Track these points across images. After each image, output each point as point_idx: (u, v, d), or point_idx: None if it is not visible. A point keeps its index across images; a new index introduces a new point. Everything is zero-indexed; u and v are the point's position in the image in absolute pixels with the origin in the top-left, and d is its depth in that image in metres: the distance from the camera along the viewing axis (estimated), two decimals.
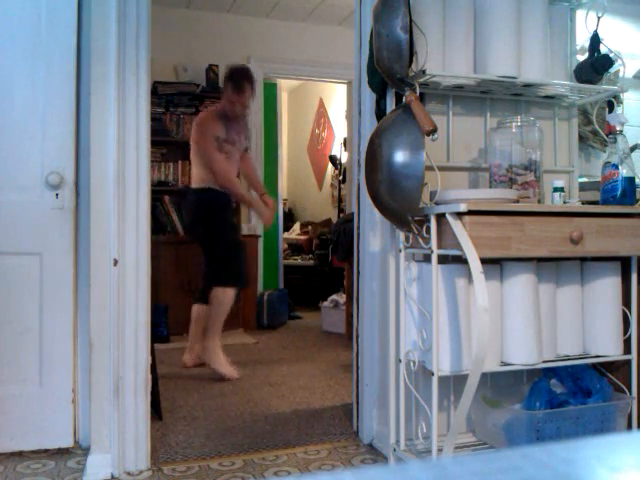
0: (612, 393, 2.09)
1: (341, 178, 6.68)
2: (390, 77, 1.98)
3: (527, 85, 2.20)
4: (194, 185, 3.68)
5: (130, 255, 2.17)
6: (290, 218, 7.75)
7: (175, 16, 5.27)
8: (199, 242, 3.70)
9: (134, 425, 2.18)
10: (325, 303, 5.16)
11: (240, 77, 3.59)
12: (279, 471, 2.17)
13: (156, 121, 4.87)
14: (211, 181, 3.57)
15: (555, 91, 2.34)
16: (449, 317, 1.92)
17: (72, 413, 2.35)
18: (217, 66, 5.37)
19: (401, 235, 2.07)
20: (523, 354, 1.96)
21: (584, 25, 2.27)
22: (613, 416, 2.04)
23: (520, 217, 1.82)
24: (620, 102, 2.47)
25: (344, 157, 6.57)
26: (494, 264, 1.97)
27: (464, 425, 2.16)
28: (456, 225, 1.75)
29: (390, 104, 2.16)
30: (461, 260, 1.83)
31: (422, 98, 2.05)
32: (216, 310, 3.53)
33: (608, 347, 2.09)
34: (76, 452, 2.34)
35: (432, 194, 1.93)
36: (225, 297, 3.52)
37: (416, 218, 1.90)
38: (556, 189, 2.12)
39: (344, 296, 4.88)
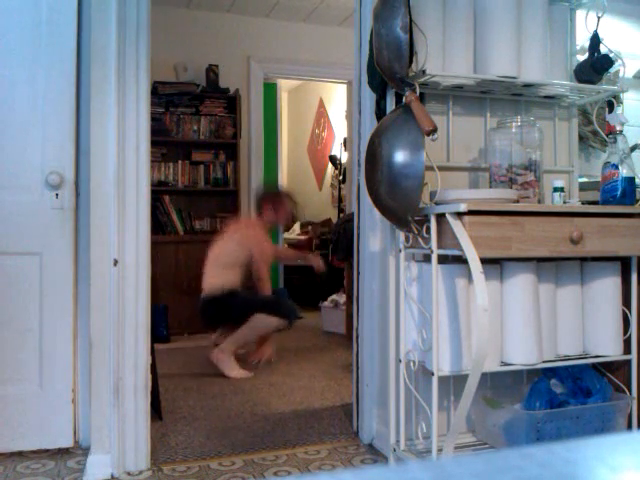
0: (612, 393, 2.09)
1: (341, 178, 6.68)
2: (390, 77, 1.99)
3: (527, 85, 2.20)
4: (214, 289, 3.71)
5: (130, 255, 2.17)
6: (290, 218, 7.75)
7: (175, 16, 5.27)
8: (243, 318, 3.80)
9: (134, 425, 2.18)
10: (325, 303, 5.16)
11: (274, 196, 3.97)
12: (279, 471, 2.17)
13: (156, 121, 4.87)
14: (232, 283, 3.70)
15: (555, 91, 2.34)
16: (449, 317, 1.92)
17: (72, 413, 2.35)
18: (217, 66, 5.37)
19: (401, 235, 2.07)
20: (523, 354, 1.96)
21: (584, 25, 2.27)
22: (613, 416, 2.04)
23: (520, 217, 1.82)
24: (620, 102, 2.48)
25: (344, 157, 6.57)
26: (494, 264, 1.97)
27: (464, 425, 2.16)
28: (456, 225, 1.75)
29: (390, 104, 2.16)
30: (461, 260, 1.83)
31: (422, 98, 2.05)
32: (249, 329, 3.65)
33: (608, 347, 2.09)
34: (76, 452, 2.34)
35: (432, 194, 1.93)
36: (263, 323, 3.65)
37: (416, 218, 1.90)
38: (556, 189, 2.12)
39: (344, 296, 4.88)
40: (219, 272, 3.74)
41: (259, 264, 3.79)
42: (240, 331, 3.67)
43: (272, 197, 3.98)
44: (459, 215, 1.76)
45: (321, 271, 4.19)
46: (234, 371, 3.58)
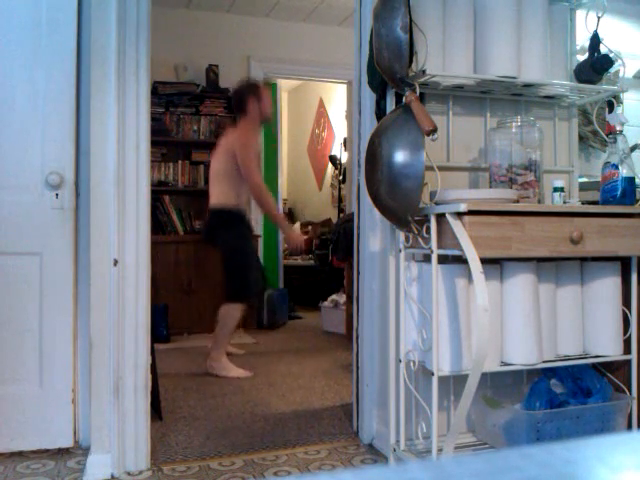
0: (612, 393, 2.09)
1: (341, 178, 6.68)
2: (390, 77, 1.99)
3: (527, 85, 2.20)
4: (217, 205, 3.74)
5: (130, 255, 2.17)
6: (290, 218, 7.76)
7: (175, 16, 5.27)
8: (220, 253, 3.81)
9: (134, 425, 2.18)
10: (325, 303, 5.16)
11: (255, 88, 3.84)
12: (279, 471, 2.17)
13: (156, 121, 4.87)
14: (232, 200, 3.69)
15: (555, 91, 2.34)
16: (449, 317, 1.92)
17: (72, 413, 2.35)
18: (217, 66, 5.37)
19: (401, 235, 2.07)
20: (523, 354, 1.96)
21: (584, 25, 2.27)
22: (613, 416, 2.04)
23: (520, 217, 1.82)
24: (620, 102, 2.47)
25: (344, 157, 6.57)
26: (494, 264, 1.97)
27: (464, 425, 2.16)
28: (456, 225, 1.75)
29: (390, 104, 2.16)
30: (461, 260, 1.83)
31: (422, 98, 2.05)
32: (222, 324, 3.68)
33: (608, 347, 2.09)
34: (76, 452, 2.34)
35: (432, 194, 1.93)
36: (230, 313, 3.66)
37: (416, 218, 1.90)
38: (556, 189, 2.12)
39: (344, 296, 4.88)
40: (216, 189, 3.73)
41: (244, 165, 3.61)
42: (217, 333, 3.67)
43: (254, 89, 3.82)
44: (459, 215, 1.76)
45: (297, 249, 4.01)
46: (232, 371, 3.58)
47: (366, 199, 2.21)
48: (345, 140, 6.47)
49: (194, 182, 5.27)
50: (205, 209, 3.89)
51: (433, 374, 1.87)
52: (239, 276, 3.68)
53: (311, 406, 2.95)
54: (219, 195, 3.71)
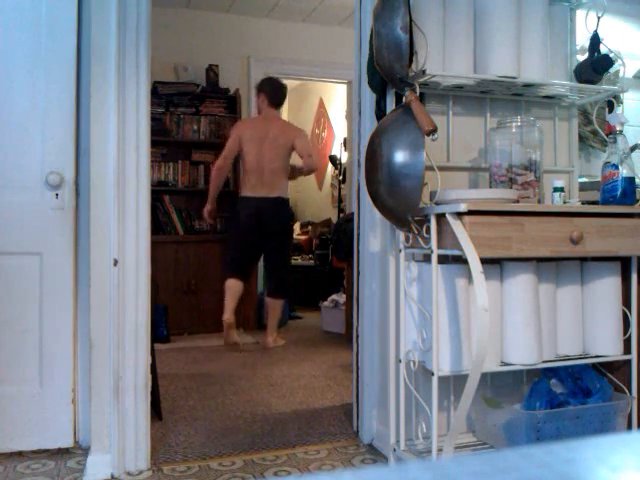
0: (612, 393, 2.09)
1: (341, 178, 6.68)
2: (390, 77, 1.99)
3: (527, 85, 2.20)
4: (283, 195, 4.33)
5: (130, 255, 2.17)
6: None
7: (175, 16, 5.27)
8: (277, 245, 4.36)
9: (134, 425, 2.18)
10: (325, 303, 5.16)
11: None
12: (279, 471, 2.17)
13: (156, 121, 4.87)
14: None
15: (555, 91, 2.34)
16: (449, 317, 1.92)
17: (72, 413, 2.35)
18: (217, 66, 5.37)
19: (401, 235, 2.07)
20: (523, 354, 1.96)
21: (584, 25, 2.27)
22: (613, 416, 2.04)
23: (520, 217, 1.82)
24: (620, 102, 2.47)
25: (344, 157, 6.57)
26: (494, 264, 1.97)
27: (464, 425, 2.16)
28: (456, 225, 1.75)
29: (390, 104, 2.16)
30: (461, 260, 1.83)
31: (422, 98, 2.05)
32: (275, 315, 4.43)
33: (608, 347, 2.09)
34: (76, 452, 2.33)
35: (432, 194, 1.93)
36: (280, 306, 4.47)
37: (416, 218, 1.90)
38: (556, 189, 2.12)
39: (344, 296, 4.88)
40: (278, 181, 4.30)
41: (314, 154, 4.52)
42: (272, 323, 4.43)
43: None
44: (459, 215, 1.76)
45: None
46: (280, 341, 4.49)
47: (366, 199, 2.21)
48: (345, 140, 6.46)
49: (194, 182, 5.27)
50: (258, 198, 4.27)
51: (433, 374, 1.87)
52: (288, 276, 4.45)
53: (311, 406, 2.95)
54: (282, 188, 4.29)
